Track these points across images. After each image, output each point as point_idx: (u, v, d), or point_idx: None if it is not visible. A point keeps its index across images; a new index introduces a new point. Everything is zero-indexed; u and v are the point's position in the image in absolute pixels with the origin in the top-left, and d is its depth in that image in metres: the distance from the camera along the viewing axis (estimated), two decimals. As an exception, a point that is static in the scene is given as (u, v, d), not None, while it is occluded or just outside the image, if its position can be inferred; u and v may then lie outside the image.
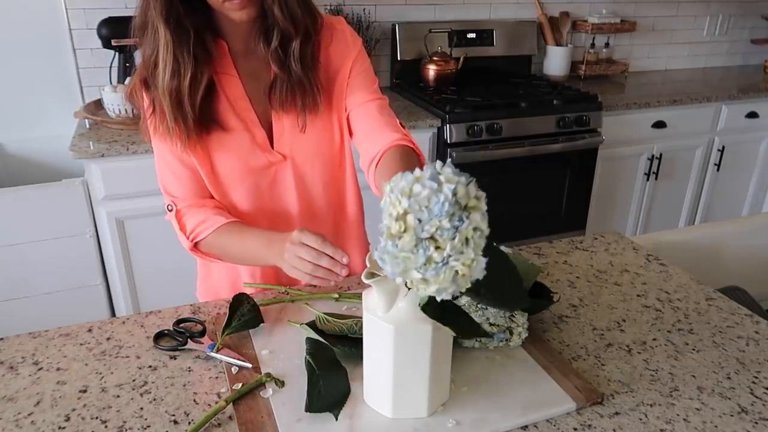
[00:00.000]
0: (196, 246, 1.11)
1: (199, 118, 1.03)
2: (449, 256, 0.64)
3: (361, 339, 0.84)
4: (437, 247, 0.65)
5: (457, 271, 0.65)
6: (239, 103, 1.07)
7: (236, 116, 1.07)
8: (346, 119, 1.15)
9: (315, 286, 1.15)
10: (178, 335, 0.98)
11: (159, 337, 0.99)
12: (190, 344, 0.96)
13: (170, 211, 1.12)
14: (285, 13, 1.00)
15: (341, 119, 1.14)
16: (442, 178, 0.65)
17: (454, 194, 0.64)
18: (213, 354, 0.93)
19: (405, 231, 0.64)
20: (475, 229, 0.66)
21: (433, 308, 0.72)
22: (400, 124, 1.14)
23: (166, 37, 0.97)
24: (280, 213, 1.15)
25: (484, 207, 0.68)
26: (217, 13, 1.01)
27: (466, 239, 0.65)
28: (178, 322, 1.03)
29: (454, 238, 0.64)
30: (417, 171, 0.67)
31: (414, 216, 0.64)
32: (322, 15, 1.08)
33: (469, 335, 0.74)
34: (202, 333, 0.99)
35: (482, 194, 0.68)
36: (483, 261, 0.67)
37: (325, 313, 0.96)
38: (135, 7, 1.02)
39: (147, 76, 1.02)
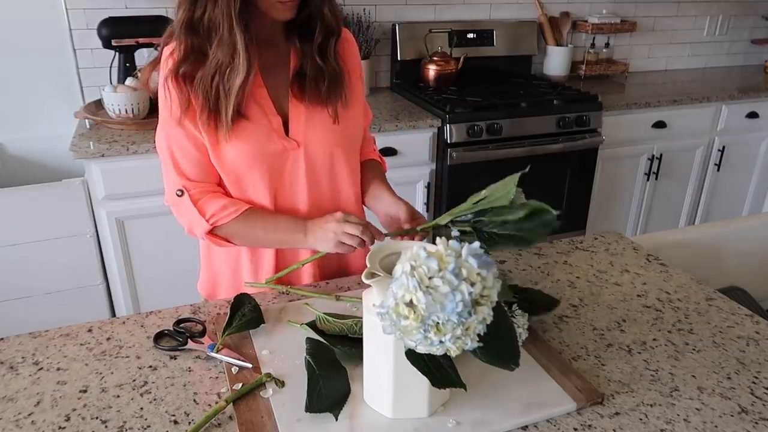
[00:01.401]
0: (212, 232, 1.12)
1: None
2: (448, 340, 0.66)
3: (361, 339, 0.84)
4: (438, 331, 0.66)
5: (449, 348, 0.68)
6: (258, 92, 1.10)
7: (255, 104, 1.10)
8: None
9: (315, 285, 1.17)
10: (178, 335, 0.98)
11: (159, 337, 0.99)
12: (190, 344, 0.96)
13: (180, 195, 1.12)
14: (333, 12, 1.08)
15: (358, 118, 1.22)
16: (464, 272, 0.65)
17: (470, 294, 0.65)
18: (213, 354, 0.93)
19: (412, 315, 0.65)
20: (480, 320, 0.67)
21: (414, 356, 0.73)
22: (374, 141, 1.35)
23: (241, 38, 1.00)
24: (291, 201, 1.17)
25: (495, 297, 0.69)
26: (250, 8, 1.03)
27: (468, 328, 0.66)
28: (178, 322, 1.03)
29: (456, 329, 0.65)
30: (440, 246, 0.68)
31: (425, 308, 0.64)
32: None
33: (444, 385, 0.76)
34: (203, 333, 0.99)
35: (498, 283, 0.69)
36: (476, 342, 0.68)
37: (325, 313, 0.96)
38: (176, 3, 1.03)
39: (190, 72, 1.04)
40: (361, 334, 0.87)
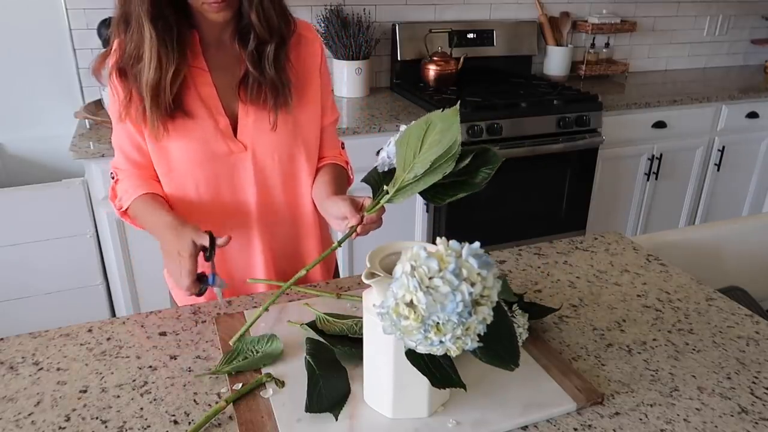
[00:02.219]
0: (124, 213, 1.16)
1: (173, 106, 1.06)
2: (448, 340, 0.66)
3: (361, 339, 0.84)
4: (438, 331, 0.66)
5: (449, 348, 0.67)
6: (205, 91, 1.10)
7: (202, 103, 1.10)
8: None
9: (315, 285, 1.16)
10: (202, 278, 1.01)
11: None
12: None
13: (112, 179, 1.18)
14: (262, 20, 1.04)
15: (311, 121, 1.19)
16: (464, 273, 0.65)
17: (470, 294, 0.65)
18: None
19: (412, 315, 0.65)
20: (480, 320, 0.67)
21: (414, 356, 0.73)
22: (342, 145, 1.30)
23: (152, 34, 0.99)
24: (237, 204, 1.17)
25: (496, 297, 0.69)
26: (191, 7, 1.03)
27: (468, 328, 0.66)
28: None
29: (456, 329, 0.65)
30: (440, 246, 0.67)
31: (426, 308, 0.64)
32: (294, 20, 1.13)
33: (444, 385, 0.75)
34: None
35: (498, 283, 0.69)
36: (476, 342, 0.68)
37: (325, 313, 0.96)
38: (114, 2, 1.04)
39: (126, 68, 1.05)
40: (361, 334, 0.87)
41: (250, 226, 1.17)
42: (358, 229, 1.02)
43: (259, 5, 1.03)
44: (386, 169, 0.96)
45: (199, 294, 1.01)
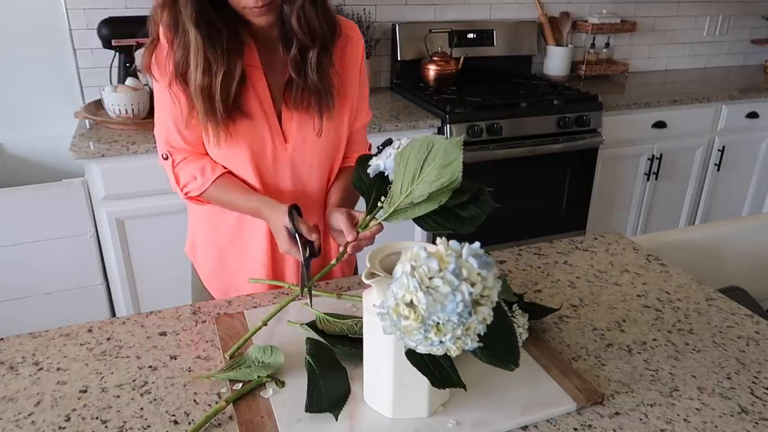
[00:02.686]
0: (187, 196, 1.16)
1: (230, 109, 1.06)
2: (448, 340, 0.66)
3: (361, 339, 0.84)
4: (438, 331, 0.66)
5: (449, 348, 0.68)
6: (261, 93, 1.11)
7: (259, 105, 1.10)
8: None
9: (315, 285, 1.16)
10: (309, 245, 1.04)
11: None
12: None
13: (165, 159, 1.16)
14: (303, 25, 1.03)
15: (349, 122, 1.20)
16: (464, 273, 0.65)
17: (470, 294, 0.65)
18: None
19: (412, 315, 0.65)
20: (480, 320, 0.67)
21: (414, 356, 0.73)
22: (369, 147, 1.29)
23: (197, 39, 0.99)
24: (272, 197, 1.17)
25: (496, 297, 0.69)
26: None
27: (468, 328, 0.66)
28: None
29: (456, 329, 0.65)
30: (440, 246, 0.68)
31: (426, 308, 0.64)
32: (340, 24, 1.12)
33: (444, 385, 0.75)
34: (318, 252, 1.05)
35: (498, 283, 0.69)
36: (476, 342, 0.68)
37: (325, 313, 0.96)
38: (152, 6, 1.03)
39: (180, 75, 1.05)
40: (361, 334, 0.87)
41: None
42: (348, 249, 1.02)
43: (300, 10, 1.01)
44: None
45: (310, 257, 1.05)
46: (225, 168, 1.15)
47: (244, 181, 1.16)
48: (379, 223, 0.97)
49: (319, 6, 1.04)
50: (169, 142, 1.14)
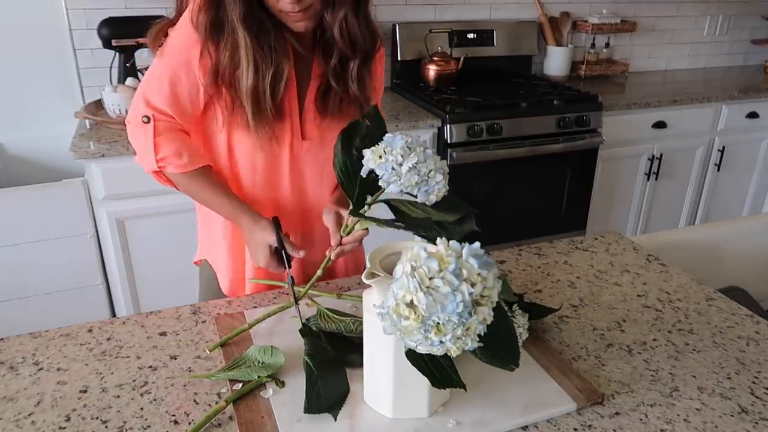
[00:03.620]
0: (160, 172, 1.09)
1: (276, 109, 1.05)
2: (448, 340, 0.66)
3: (361, 340, 0.84)
4: (438, 331, 0.66)
5: (449, 348, 0.68)
6: (291, 94, 1.10)
7: (288, 105, 1.09)
8: None
9: (315, 286, 1.16)
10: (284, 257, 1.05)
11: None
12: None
13: (146, 122, 1.05)
14: (345, 36, 1.02)
15: None
16: (465, 273, 0.65)
17: (471, 294, 0.65)
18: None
19: (412, 315, 0.65)
20: (480, 320, 0.67)
21: (414, 356, 0.73)
22: None
23: (246, 38, 0.98)
24: (285, 199, 1.17)
25: (496, 297, 0.69)
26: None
27: (468, 329, 0.66)
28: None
29: (457, 329, 0.65)
30: (440, 246, 0.68)
31: (426, 308, 0.64)
32: (381, 38, 1.11)
33: (444, 385, 0.75)
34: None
35: (499, 283, 0.69)
36: (476, 342, 0.68)
37: (326, 308, 0.96)
38: (196, 6, 0.99)
39: (224, 76, 1.02)
40: (360, 334, 0.87)
41: (282, 217, 1.15)
42: (332, 255, 1.01)
43: (343, 21, 1.00)
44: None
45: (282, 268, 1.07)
46: (209, 163, 1.13)
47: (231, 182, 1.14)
48: (365, 228, 0.97)
49: (362, 16, 1.03)
50: (153, 104, 1.04)
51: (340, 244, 1.01)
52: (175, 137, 1.07)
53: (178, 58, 1.03)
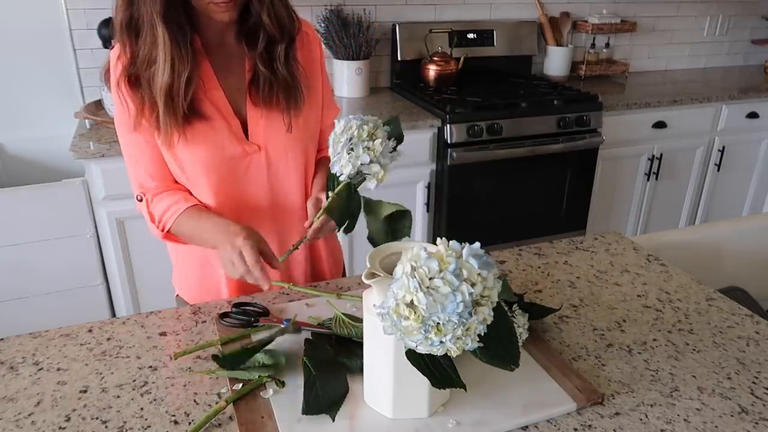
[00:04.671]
0: (168, 234, 1.14)
1: (187, 112, 1.05)
2: (448, 340, 0.67)
3: (361, 342, 0.84)
4: (438, 331, 0.66)
5: (449, 348, 0.68)
6: (213, 94, 1.09)
7: (212, 106, 1.09)
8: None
9: (315, 286, 1.16)
10: (243, 315, 1.02)
11: (222, 317, 1.03)
12: (262, 321, 1.01)
13: (140, 201, 1.15)
14: (273, 19, 1.04)
15: (317, 117, 1.20)
16: (465, 273, 0.65)
17: (471, 294, 0.65)
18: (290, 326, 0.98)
19: (413, 315, 0.65)
20: (481, 321, 0.67)
21: (414, 356, 0.73)
22: None
23: (165, 36, 0.98)
24: (249, 204, 1.17)
25: (496, 297, 0.69)
26: (195, 11, 1.02)
27: (468, 329, 0.66)
28: (238, 305, 1.06)
29: (457, 329, 0.65)
30: (440, 247, 0.68)
31: (426, 308, 0.64)
32: (299, 19, 1.12)
33: (444, 386, 0.75)
34: (266, 314, 1.03)
35: (499, 283, 0.69)
36: (477, 342, 0.68)
37: (344, 314, 0.95)
38: (114, 5, 1.01)
39: (138, 73, 1.03)
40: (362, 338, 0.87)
41: (262, 225, 1.16)
42: (309, 234, 1.07)
43: (270, 5, 1.03)
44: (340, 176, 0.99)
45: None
46: (199, 201, 1.13)
47: (210, 205, 1.14)
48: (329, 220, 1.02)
49: (284, 1, 1.06)
50: (141, 184, 1.14)
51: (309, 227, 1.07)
52: (162, 197, 1.13)
53: (124, 128, 1.10)
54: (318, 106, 1.20)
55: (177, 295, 1.33)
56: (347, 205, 1.01)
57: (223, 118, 1.10)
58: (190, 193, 1.15)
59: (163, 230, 1.13)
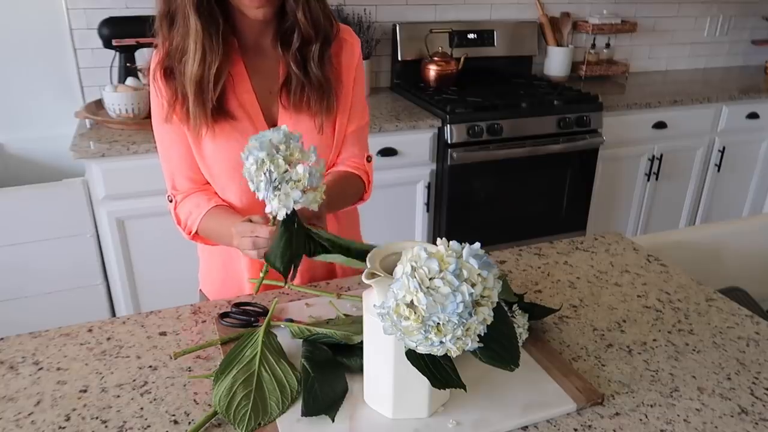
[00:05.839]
0: (195, 235, 1.15)
1: (216, 108, 1.06)
2: (448, 341, 0.66)
3: (361, 345, 0.84)
4: (438, 331, 0.66)
5: (449, 349, 0.68)
6: (245, 97, 1.10)
7: (242, 109, 1.09)
8: None
9: (315, 285, 1.16)
10: (243, 315, 1.02)
11: (222, 316, 1.03)
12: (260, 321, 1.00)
13: (170, 202, 1.17)
14: (308, 18, 1.04)
15: (341, 124, 1.18)
16: (465, 273, 0.65)
17: (471, 294, 0.65)
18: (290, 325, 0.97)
19: (413, 315, 0.65)
20: (481, 321, 0.67)
21: (414, 356, 0.73)
22: (367, 157, 1.23)
23: (197, 26, 0.99)
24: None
25: (496, 297, 0.69)
26: (232, 8, 1.03)
27: (468, 329, 0.66)
28: (238, 305, 1.06)
29: (457, 329, 0.66)
30: (441, 247, 0.68)
31: (426, 308, 0.64)
32: (337, 22, 1.12)
33: (444, 386, 0.75)
34: (265, 314, 1.02)
35: (499, 284, 0.69)
36: (477, 343, 0.68)
37: (307, 325, 0.95)
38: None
39: (172, 65, 1.05)
40: (356, 341, 0.87)
41: None
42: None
43: (306, 3, 1.03)
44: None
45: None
46: (222, 200, 1.14)
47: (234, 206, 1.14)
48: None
49: (322, 1, 1.06)
50: (172, 185, 1.16)
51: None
52: (189, 199, 1.14)
53: (158, 121, 1.10)
54: (346, 112, 1.17)
55: (200, 289, 1.33)
56: (291, 244, 0.89)
57: (251, 121, 1.10)
58: (217, 195, 1.15)
59: (189, 233, 1.15)
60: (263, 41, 1.10)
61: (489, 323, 0.68)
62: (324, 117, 1.11)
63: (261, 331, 0.93)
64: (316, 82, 1.09)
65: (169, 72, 1.05)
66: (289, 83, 1.09)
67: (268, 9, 1.01)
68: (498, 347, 0.73)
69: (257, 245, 0.96)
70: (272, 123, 1.12)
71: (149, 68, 1.10)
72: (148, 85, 1.13)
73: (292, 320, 0.99)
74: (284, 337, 0.97)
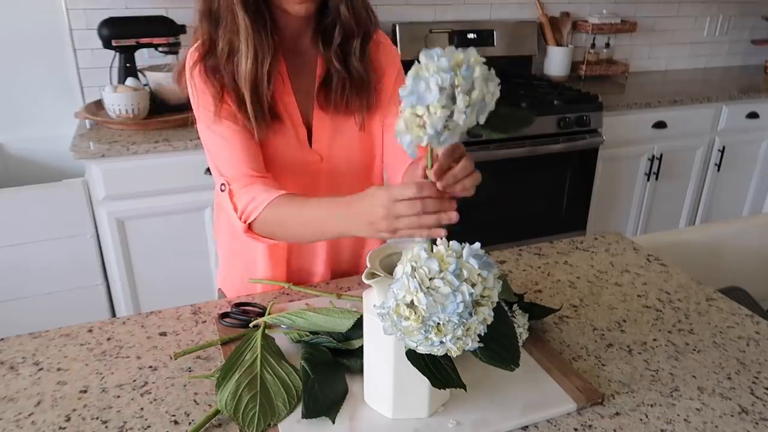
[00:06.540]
0: (250, 226, 1.03)
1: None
2: (448, 341, 0.67)
3: (360, 347, 0.84)
4: (439, 331, 0.66)
5: (449, 349, 0.68)
6: (285, 99, 1.09)
7: (285, 112, 1.08)
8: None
9: (315, 286, 1.16)
10: (243, 315, 1.02)
11: (223, 316, 1.02)
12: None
13: (223, 191, 1.06)
14: (351, 12, 1.03)
15: (381, 125, 1.16)
16: (465, 273, 0.65)
17: (471, 294, 0.65)
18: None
19: (413, 316, 0.65)
20: (481, 321, 0.67)
21: (414, 356, 0.73)
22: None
23: (246, 23, 0.97)
24: None
25: (496, 297, 0.69)
26: (273, 7, 1.02)
27: (468, 329, 0.67)
28: (238, 305, 1.06)
29: (457, 329, 0.66)
30: (441, 247, 0.67)
31: (426, 308, 0.64)
32: (377, 17, 1.11)
33: (444, 386, 0.75)
34: (263, 315, 1.02)
35: (499, 284, 0.69)
36: (477, 343, 0.68)
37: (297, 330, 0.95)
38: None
39: (216, 64, 1.02)
40: (357, 340, 0.87)
41: None
42: (439, 181, 0.81)
43: None
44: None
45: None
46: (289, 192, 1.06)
47: None
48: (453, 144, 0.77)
49: None
50: (223, 173, 1.06)
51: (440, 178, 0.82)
52: (248, 190, 1.03)
53: (205, 117, 1.05)
54: (383, 110, 1.15)
55: (219, 288, 1.32)
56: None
57: (291, 123, 1.09)
58: (273, 185, 1.07)
59: (245, 222, 1.02)
60: (302, 41, 1.09)
61: (489, 323, 0.68)
62: (365, 114, 1.10)
63: (259, 334, 0.93)
64: (357, 78, 1.07)
65: (210, 71, 1.02)
66: (329, 82, 1.08)
67: (310, 4, 0.99)
68: (498, 347, 0.73)
69: (427, 208, 0.78)
70: (308, 124, 1.10)
71: (183, 66, 1.06)
72: (179, 83, 1.07)
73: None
74: (283, 340, 0.97)
